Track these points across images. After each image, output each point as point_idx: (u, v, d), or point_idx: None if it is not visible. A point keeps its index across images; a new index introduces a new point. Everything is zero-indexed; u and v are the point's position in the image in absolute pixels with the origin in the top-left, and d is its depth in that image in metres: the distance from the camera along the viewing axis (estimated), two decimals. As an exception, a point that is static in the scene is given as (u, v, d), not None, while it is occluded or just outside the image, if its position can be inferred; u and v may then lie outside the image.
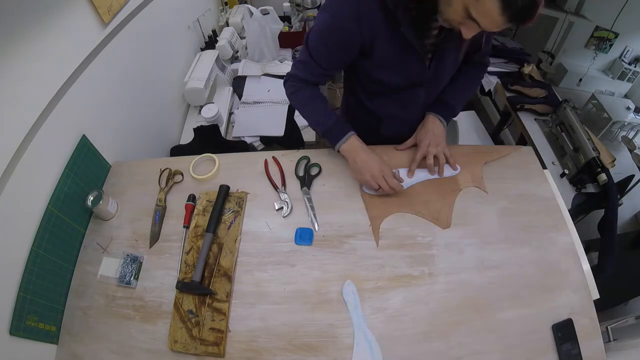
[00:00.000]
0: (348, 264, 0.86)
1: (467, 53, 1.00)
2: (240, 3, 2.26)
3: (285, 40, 2.05)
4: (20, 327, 0.73)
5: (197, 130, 1.45)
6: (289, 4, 2.24)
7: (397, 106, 1.00)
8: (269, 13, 1.98)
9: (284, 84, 0.98)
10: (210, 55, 1.68)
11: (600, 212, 1.54)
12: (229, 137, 1.58)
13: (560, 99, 1.86)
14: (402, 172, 0.99)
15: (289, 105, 1.67)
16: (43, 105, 0.83)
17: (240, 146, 1.51)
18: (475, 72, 1.05)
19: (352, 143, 0.94)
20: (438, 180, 0.99)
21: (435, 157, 0.99)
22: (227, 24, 2.08)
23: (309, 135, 1.60)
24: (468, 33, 0.70)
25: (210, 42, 1.90)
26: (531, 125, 1.88)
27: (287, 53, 2.05)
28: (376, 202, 0.95)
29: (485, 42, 0.95)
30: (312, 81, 0.95)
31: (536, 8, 0.60)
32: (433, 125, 1.00)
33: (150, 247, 0.91)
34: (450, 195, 0.96)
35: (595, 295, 0.83)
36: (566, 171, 1.60)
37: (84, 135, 0.97)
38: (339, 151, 0.96)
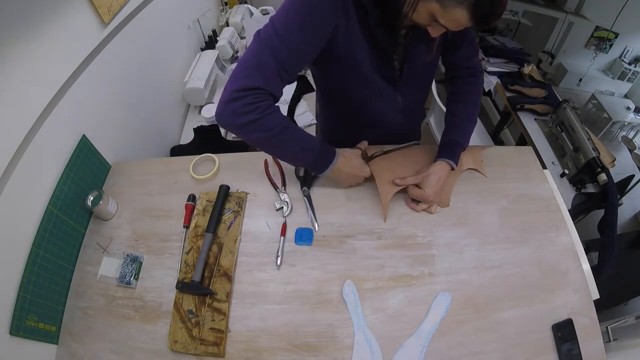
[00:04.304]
0: (348, 264, 0.86)
1: (454, 62, 0.98)
2: (240, 3, 2.26)
3: (285, 40, 2.05)
4: (20, 327, 0.73)
5: (197, 130, 1.45)
6: (289, 4, 2.24)
7: (377, 112, 0.99)
8: (269, 13, 1.98)
9: (231, 103, 0.70)
10: (210, 55, 1.68)
11: (600, 212, 1.54)
12: (229, 137, 1.58)
13: (560, 99, 1.87)
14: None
15: (289, 105, 1.66)
16: (43, 105, 0.83)
17: (240, 146, 1.51)
18: (470, 89, 0.99)
19: (339, 164, 0.87)
20: None
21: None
22: (227, 24, 2.08)
23: (309, 135, 1.60)
24: (435, 32, 0.71)
25: (210, 42, 1.90)
26: (531, 125, 1.88)
27: (287, 53, 2.04)
28: (385, 177, 0.94)
29: (466, 45, 0.93)
30: (274, 93, 0.73)
31: (501, 11, 0.63)
32: (441, 172, 0.93)
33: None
34: (452, 176, 0.97)
35: (595, 295, 0.83)
36: (566, 171, 1.60)
37: (84, 135, 0.97)
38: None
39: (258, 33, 0.71)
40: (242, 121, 0.71)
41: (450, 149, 0.95)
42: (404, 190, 0.94)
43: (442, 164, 0.93)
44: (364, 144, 0.98)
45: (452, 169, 0.94)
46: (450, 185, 0.97)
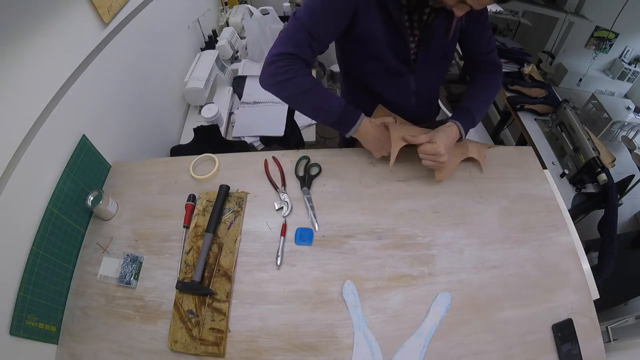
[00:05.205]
0: (348, 264, 0.86)
1: (474, 57, 1.04)
2: (240, 3, 2.27)
3: (285, 40, 2.05)
4: (20, 327, 0.73)
5: (197, 130, 1.45)
6: (289, 4, 2.25)
7: (389, 93, 1.03)
8: (269, 13, 1.98)
9: (269, 66, 0.86)
10: (210, 55, 1.68)
11: (600, 212, 1.54)
12: (229, 137, 1.57)
13: (560, 99, 1.86)
14: None
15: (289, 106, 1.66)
16: (43, 105, 0.83)
17: (240, 146, 1.51)
18: (489, 76, 1.03)
19: (364, 126, 0.94)
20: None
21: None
22: (227, 24, 2.08)
23: (309, 135, 1.60)
24: (459, 12, 0.79)
25: (210, 42, 1.90)
26: (531, 125, 1.88)
27: (287, 53, 2.04)
28: (400, 132, 0.95)
29: (485, 41, 1.00)
30: (304, 58, 0.87)
31: None
32: (450, 132, 0.93)
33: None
34: (457, 156, 0.98)
35: (595, 295, 0.83)
36: (566, 171, 1.60)
37: (84, 135, 0.97)
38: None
39: (294, 13, 0.86)
40: (275, 80, 0.87)
41: (463, 115, 0.97)
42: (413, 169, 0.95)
43: (452, 125, 0.95)
44: (397, 118, 1.02)
45: (460, 137, 0.96)
46: (453, 162, 0.97)
